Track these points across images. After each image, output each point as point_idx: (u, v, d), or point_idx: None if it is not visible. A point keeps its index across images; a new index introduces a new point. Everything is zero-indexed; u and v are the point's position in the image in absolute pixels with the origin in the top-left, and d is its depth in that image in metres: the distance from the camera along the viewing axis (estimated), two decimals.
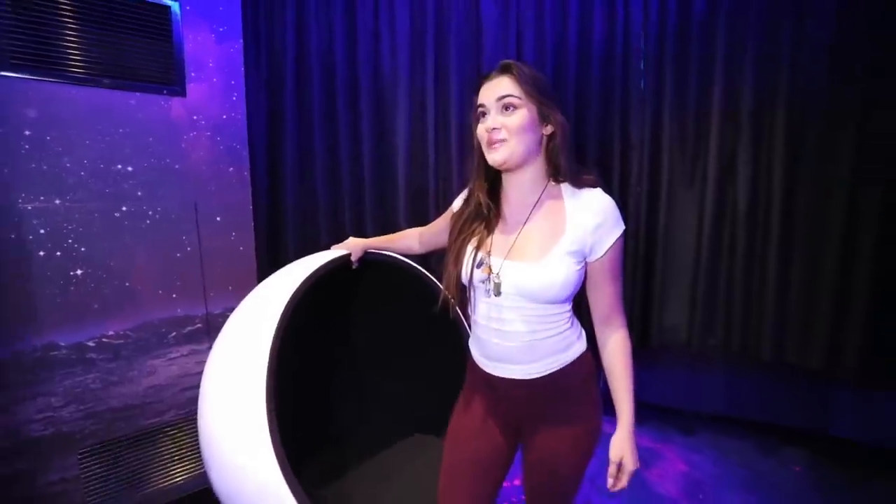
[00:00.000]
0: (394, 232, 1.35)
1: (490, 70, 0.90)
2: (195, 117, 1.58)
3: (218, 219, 1.65)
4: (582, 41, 2.10)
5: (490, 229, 0.92)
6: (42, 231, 1.34)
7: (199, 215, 1.61)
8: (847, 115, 1.78)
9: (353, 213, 2.15)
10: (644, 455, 2.06)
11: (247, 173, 1.72)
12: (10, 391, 1.32)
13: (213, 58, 1.60)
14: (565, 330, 0.91)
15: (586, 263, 0.88)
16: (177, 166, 1.56)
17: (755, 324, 2.03)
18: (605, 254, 0.86)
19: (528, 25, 2.10)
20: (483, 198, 0.93)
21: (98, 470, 1.47)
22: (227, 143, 1.66)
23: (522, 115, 0.85)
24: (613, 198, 0.90)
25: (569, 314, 0.92)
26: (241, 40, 1.66)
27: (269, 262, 1.99)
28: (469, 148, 0.99)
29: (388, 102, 2.13)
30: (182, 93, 1.55)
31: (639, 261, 2.20)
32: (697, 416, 2.30)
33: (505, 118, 0.85)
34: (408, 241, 1.27)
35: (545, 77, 0.91)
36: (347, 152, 2.11)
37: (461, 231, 0.94)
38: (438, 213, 1.25)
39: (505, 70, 0.87)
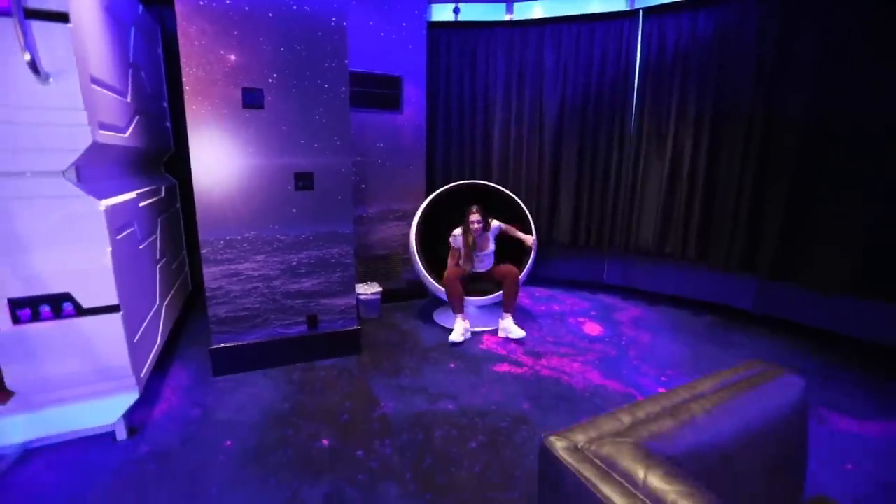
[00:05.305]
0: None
1: (471, 206, 3.03)
2: (406, 123, 3.65)
3: (411, 167, 3.72)
4: (601, 74, 3.74)
5: (473, 245, 3.06)
6: (354, 168, 3.51)
7: (407, 166, 3.69)
8: (745, 117, 3.19)
9: (468, 168, 4.11)
10: (618, 307, 3.71)
11: (423, 148, 3.75)
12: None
13: (414, 97, 3.64)
14: (494, 257, 3.03)
15: (497, 236, 3.05)
16: (399, 145, 3.64)
17: (692, 239, 3.53)
18: (503, 228, 3.09)
19: (570, 68, 3.81)
20: (472, 241, 3.06)
21: (361, 267, 3.65)
22: (417, 135, 3.70)
23: (483, 222, 3.03)
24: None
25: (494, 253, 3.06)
26: (425, 88, 3.68)
27: (427, 187, 4.04)
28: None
29: (490, 114, 4.02)
30: (402, 112, 3.61)
31: (625, 203, 3.79)
32: (658, 296, 3.84)
33: (477, 221, 3.00)
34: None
35: (487, 210, 3.00)
36: (469, 138, 4.07)
37: (465, 246, 3.07)
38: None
39: (477, 207, 3.05)
